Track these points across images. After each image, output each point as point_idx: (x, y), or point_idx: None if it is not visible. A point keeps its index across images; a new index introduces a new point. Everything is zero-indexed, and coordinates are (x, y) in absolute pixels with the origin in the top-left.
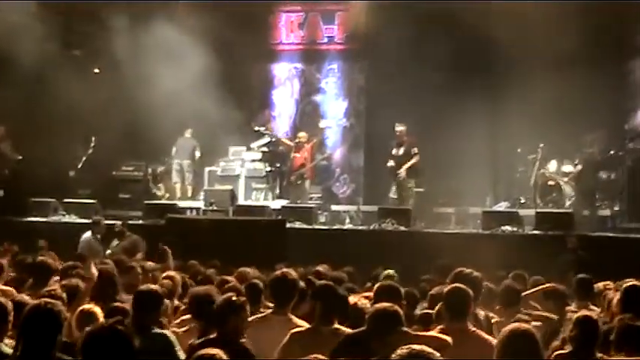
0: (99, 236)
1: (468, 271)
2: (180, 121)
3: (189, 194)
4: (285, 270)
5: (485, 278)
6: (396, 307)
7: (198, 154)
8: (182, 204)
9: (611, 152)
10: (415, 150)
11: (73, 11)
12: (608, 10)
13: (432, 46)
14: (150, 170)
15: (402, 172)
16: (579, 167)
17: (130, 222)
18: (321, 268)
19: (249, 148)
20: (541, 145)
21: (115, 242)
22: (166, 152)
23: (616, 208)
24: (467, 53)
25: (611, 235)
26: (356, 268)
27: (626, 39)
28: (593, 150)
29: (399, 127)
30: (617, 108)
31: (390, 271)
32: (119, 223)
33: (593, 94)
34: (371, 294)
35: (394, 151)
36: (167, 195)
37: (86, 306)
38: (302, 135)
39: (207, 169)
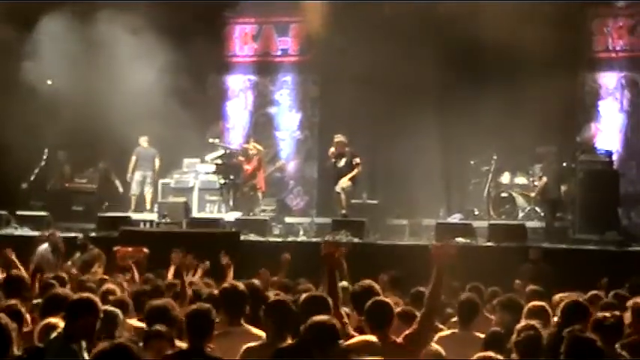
0: (53, 248)
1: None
2: (133, 133)
3: (148, 206)
4: (233, 281)
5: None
6: (333, 320)
7: (158, 162)
8: (135, 216)
9: (564, 164)
10: (357, 160)
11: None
12: (562, 21)
13: (384, 58)
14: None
15: (346, 182)
16: (544, 180)
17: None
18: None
19: (203, 161)
20: (494, 156)
21: (78, 255)
22: (120, 163)
23: (569, 219)
24: (420, 64)
25: (567, 247)
26: (310, 280)
27: (580, 51)
28: (553, 162)
29: (339, 138)
30: (569, 120)
31: (344, 283)
32: (81, 236)
33: (546, 105)
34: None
35: (338, 164)
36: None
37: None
38: (250, 146)
39: (160, 181)
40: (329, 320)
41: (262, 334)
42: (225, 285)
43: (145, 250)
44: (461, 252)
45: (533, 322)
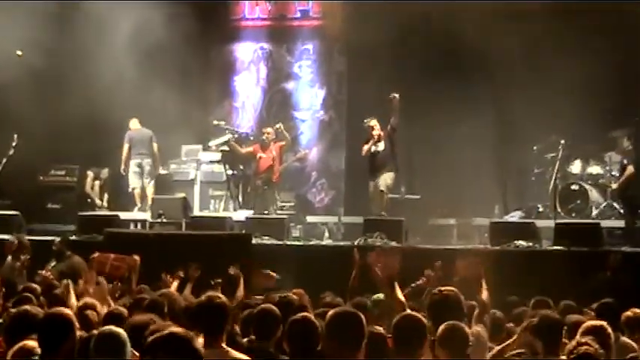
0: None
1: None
2: (122, 115)
3: (150, 202)
4: (211, 294)
5: (494, 304)
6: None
7: (156, 146)
8: (124, 215)
9: None
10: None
11: None
12: None
13: (426, 25)
14: (91, 174)
15: (391, 177)
16: (630, 169)
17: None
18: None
19: (206, 148)
20: (562, 141)
21: (53, 264)
22: (107, 152)
23: None
24: (469, 31)
25: None
26: (337, 293)
27: None
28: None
29: (372, 122)
30: None
31: (380, 296)
32: (57, 239)
33: (623, 74)
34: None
35: (373, 149)
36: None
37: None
38: (269, 130)
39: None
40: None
41: (246, 358)
42: (202, 298)
43: (136, 257)
44: (521, 258)
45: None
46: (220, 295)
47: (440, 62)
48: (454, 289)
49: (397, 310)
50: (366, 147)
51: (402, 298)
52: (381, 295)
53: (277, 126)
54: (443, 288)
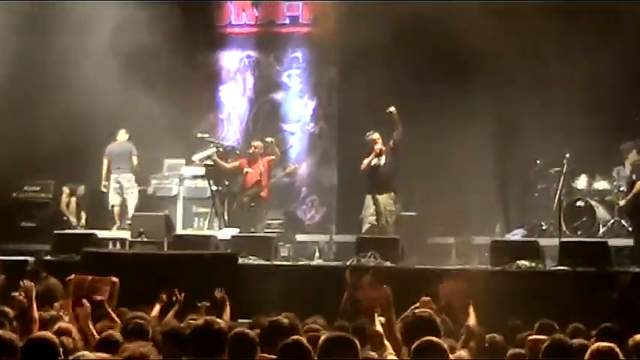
0: None
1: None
2: (100, 126)
3: (129, 221)
4: (209, 318)
5: (495, 328)
6: None
7: (135, 161)
8: (102, 234)
9: None
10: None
11: None
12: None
13: (422, 32)
14: (66, 190)
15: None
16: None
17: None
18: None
19: (189, 162)
20: (567, 155)
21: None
22: (84, 166)
23: None
24: (469, 39)
25: None
26: (328, 316)
27: None
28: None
29: (374, 135)
30: None
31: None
32: (31, 260)
33: (632, 84)
34: None
35: (374, 162)
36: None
37: None
38: (256, 144)
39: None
40: None
41: None
42: (199, 322)
43: (114, 279)
44: (523, 279)
45: None
46: (219, 320)
47: (436, 71)
48: (429, 310)
49: (375, 343)
50: (366, 161)
51: (380, 330)
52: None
53: (268, 140)
54: (418, 310)
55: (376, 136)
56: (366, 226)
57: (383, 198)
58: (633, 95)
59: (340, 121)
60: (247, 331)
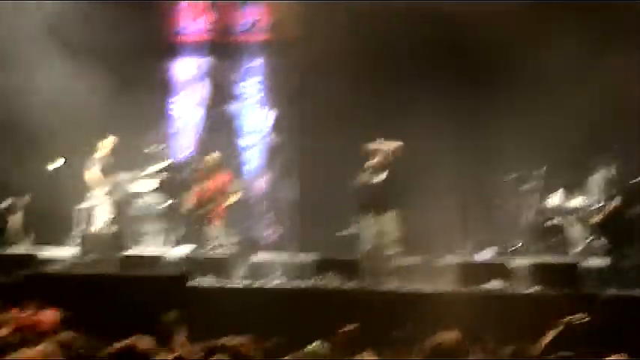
0: None
1: None
2: (39, 140)
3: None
4: (131, 341)
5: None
6: None
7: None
8: (46, 253)
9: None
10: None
11: None
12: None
13: (389, 36)
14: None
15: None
16: (616, 202)
17: None
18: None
19: (139, 176)
20: (538, 171)
21: None
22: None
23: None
24: (436, 47)
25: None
26: (286, 340)
27: None
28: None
29: (379, 145)
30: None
31: (316, 344)
32: None
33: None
34: None
35: (373, 177)
36: None
37: None
38: (211, 158)
39: (79, 205)
40: None
41: None
42: (118, 346)
43: (55, 314)
44: (492, 302)
45: None
46: (142, 343)
47: (403, 81)
48: None
49: None
50: (362, 176)
51: None
52: (317, 344)
53: (209, 158)
54: None
55: (381, 146)
56: (366, 248)
57: (387, 217)
58: (610, 107)
59: (302, 132)
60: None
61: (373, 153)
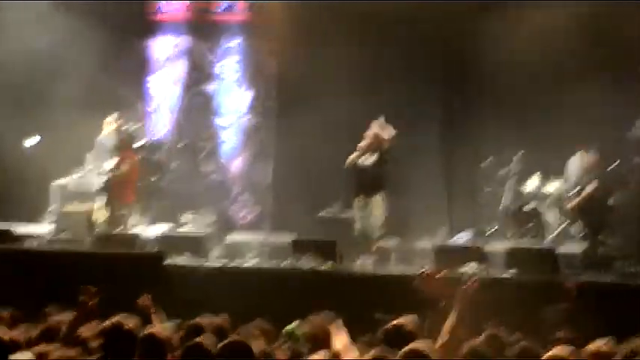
0: None
1: None
2: (16, 120)
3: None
4: (117, 319)
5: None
6: None
7: None
8: (21, 229)
9: (611, 168)
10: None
11: None
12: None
13: (374, 18)
14: None
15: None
16: (594, 186)
17: None
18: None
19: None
20: (515, 155)
21: None
22: None
23: (616, 244)
24: (419, 33)
25: (613, 282)
26: (265, 322)
27: None
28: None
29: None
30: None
31: (293, 326)
32: None
33: (587, 89)
34: None
35: (360, 162)
36: None
37: None
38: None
39: (54, 183)
40: None
41: None
42: (106, 324)
43: None
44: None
45: None
46: (130, 322)
47: (382, 65)
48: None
49: None
50: (351, 157)
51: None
52: (295, 324)
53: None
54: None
55: (377, 129)
56: (357, 228)
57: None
58: (594, 93)
59: (278, 115)
60: (157, 332)
61: (368, 136)
